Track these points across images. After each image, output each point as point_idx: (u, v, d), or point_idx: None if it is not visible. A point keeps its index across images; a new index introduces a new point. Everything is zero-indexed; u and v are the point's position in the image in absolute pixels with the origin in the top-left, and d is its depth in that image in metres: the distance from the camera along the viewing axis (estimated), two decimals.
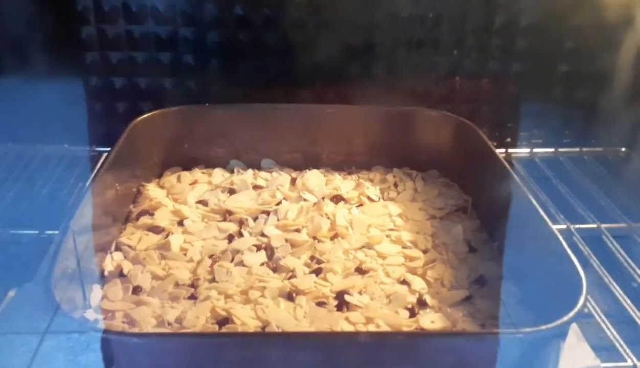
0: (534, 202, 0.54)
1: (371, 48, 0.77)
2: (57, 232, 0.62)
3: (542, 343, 0.40)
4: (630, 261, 0.61)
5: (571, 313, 0.40)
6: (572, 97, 0.82)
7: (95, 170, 0.61)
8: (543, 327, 0.39)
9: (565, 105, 0.82)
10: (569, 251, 0.47)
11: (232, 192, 0.66)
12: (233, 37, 0.75)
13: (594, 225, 0.68)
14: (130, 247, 0.56)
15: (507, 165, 0.60)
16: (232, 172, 0.70)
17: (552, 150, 0.84)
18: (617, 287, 0.57)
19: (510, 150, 0.84)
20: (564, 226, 0.68)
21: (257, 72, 0.76)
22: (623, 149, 0.86)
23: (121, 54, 0.75)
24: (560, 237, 0.49)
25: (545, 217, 0.52)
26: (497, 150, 0.65)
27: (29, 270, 0.60)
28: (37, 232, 0.65)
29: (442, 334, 0.46)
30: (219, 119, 0.71)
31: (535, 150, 0.84)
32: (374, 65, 0.78)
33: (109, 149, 0.74)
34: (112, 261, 0.54)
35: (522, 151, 0.84)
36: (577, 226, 0.68)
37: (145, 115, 0.66)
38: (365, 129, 0.72)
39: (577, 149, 0.85)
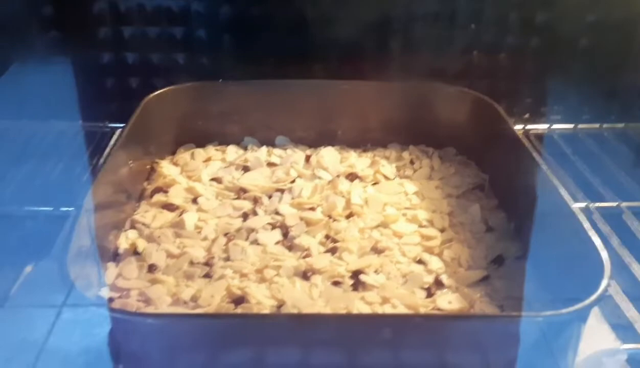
0: (554, 180, 0.53)
1: (387, 22, 0.75)
2: (71, 208, 0.64)
3: (563, 326, 0.39)
4: None
5: (593, 297, 0.39)
6: (592, 72, 0.80)
7: (109, 147, 0.61)
8: (564, 311, 0.38)
9: (586, 81, 0.80)
10: (590, 231, 0.46)
11: (246, 169, 0.65)
12: (246, 11, 0.73)
13: (614, 204, 0.67)
14: (144, 224, 0.56)
15: (526, 143, 0.58)
16: (246, 149, 0.70)
17: (571, 126, 0.83)
18: (638, 267, 0.56)
19: (528, 126, 0.82)
20: (583, 204, 0.66)
21: (271, 47, 0.75)
22: None
23: (133, 29, 0.74)
24: (581, 217, 0.48)
25: (566, 196, 0.51)
26: (515, 127, 0.63)
27: (45, 247, 0.61)
28: (51, 208, 0.65)
29: (463, 317, 0.45)
30: (232, 95, 0.70)
31: (554, 126, 0.82)
32: (390, 40, 0.77)
33: (122, 125, 0.75)
34: (126, 239, 0.54)
35: (540, 127, 0.82)
36: (596, 204, 0.66)
37: (158, 92, 0.65)
38: (380, 106, 0.71)
39: (597, 125, 0.83)
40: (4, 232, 0.64)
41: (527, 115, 0.82)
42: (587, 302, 0.39)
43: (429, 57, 0.77)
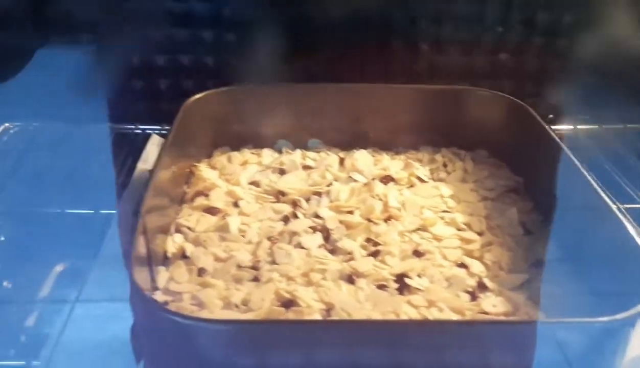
0: (593, 182, 0.54)
1: (412, 22, 0.76)
2: (112, 211, 0.65)
3: (612, 332, 0.40)
4: None
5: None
6: (617, 72, 0.81)
7: (152, 151, 0.62)
8: (618, 316, 0.39)
9: (611, 81, 0.81)
10: (635, 233, 0.47)
11: (282, 172, 0.66)
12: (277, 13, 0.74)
13: None
14: (189, 228, 0.57)
15: (563, 145, 0.59)
16: (280, 152, 0.71)
17: (596, 126, 0.84)
18: None
19: (553, 127, 0.83)
20: (613, 206, 0.67)
21: (299, 49, 0.76)
22: None
23: (162, 32, 0.75)
24: (624, 218, 0.49)
25: (606, 198, 0.52)
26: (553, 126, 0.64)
27: (84, 247, 0.63)
28: (92, 211, 0.66)
29: (511, 321, 0.46)
30: (265, 98, 0.71)
31: (579, 126, 0.84)
32: (416, 40, 0.78)
33: (151, 127, 0.76)
34: (173, 243, 0.55)
35: (565, 128, 0.83)
36: (627, 206, 0.67)
37: (198, 96, 0.66)
38: (411, 108, 0.72)
39: (622, 126, 0.84)
40: (42, 231, 0.65)
41: (551, 116, 0.83)
42: (637, 308, 0.40)
43: (455, 57, 0.79)
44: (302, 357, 0.42)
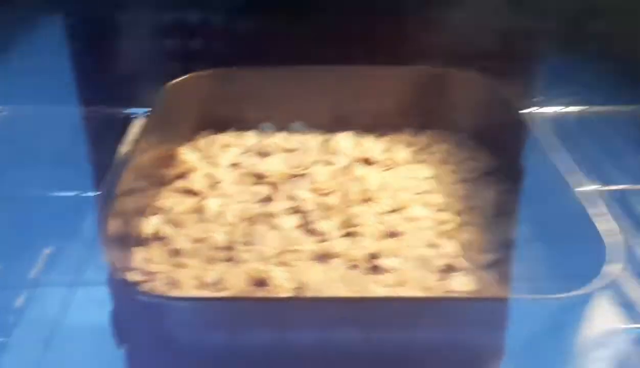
0: (560, 165, 0.55)
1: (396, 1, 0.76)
2: (95, 193, 0.66)
3: (569, 308, 0.41)
4: None
5: (599, 280, 0.41)
6: (604, 54, 0.81)
7: (134, 134, 0.63)
8: (572, 293, 0.40)
9: (597, 63, 0.81)
10: (597, 215, 0.48)
11: (264, 155, 0.67)
12: None
13: (626, 186, 0.69)
14: (167, 210, 0.58)
15: (532, 128, 0.60)
16: (263, 134, 0.71)
17: (582, 108, 0.84)
18: None
19: (539, 109, 0.83)
20: (594, 187, 0.68)
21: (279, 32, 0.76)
22: None
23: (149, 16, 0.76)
24: (588, 200, 0.50)
25: (572, 180, 0.53)
26: (528, 110, 0.64)
27: (67, 230, 0.64)
28: (74, 193, 0.67)
29: (473, 298, 0.47)
30: (249, 81, 0.72)
31: (565, 108, 0.84)
32: (401, 20, 0.78)
33: (135, 110, 0.77)
34: (150, 224, 0.56)
35: (551, 110, 0.84)
36: (608, 187, 0.68)
37: (179, 79, 0.67)
38: (394, 91, 0.72)
39: (609, 108, 0.84)
40: (27, 215, 0.66)
41: (537, 98, 0.83)
42: (595, 286, 0.40)
43: (438, 38, 0.79)
44: (271, 334, 0.43)
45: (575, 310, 0.41)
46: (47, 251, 0.64)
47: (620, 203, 0.67)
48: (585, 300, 0.41)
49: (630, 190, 0.68)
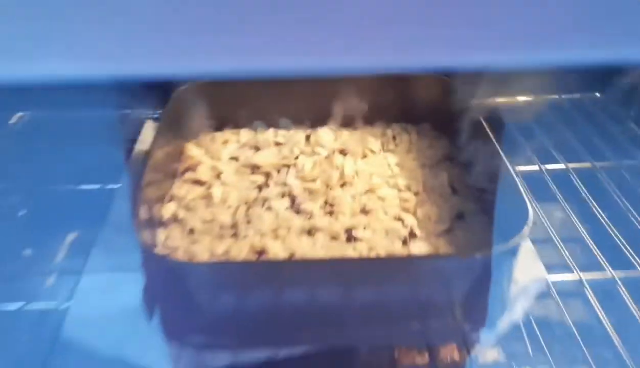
0: (500, 149, 0.67)
1: None
2: (118, 185, 0.78)
3: (498, 261, 0.54)
4: (589, 196, 0.75)
5: (515, 238, 0.54)
6: None
7: (147, 134, 0.75)
8: (494, 249, 0.53)
9: None
10: (522, 188, 0.60)
11: (257, 149, 0.79)
12: None
13: (563, 166, 0.82)
14: (181, 197, 0.70)
15: (480, 118, 0.72)
16: (256, 131, 0.83)
17: (533, 97, 0.97)
18: (576, 219, 0.72)
19: (496, 99, 0.96)
20: (536, 167, 0.82)
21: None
22: (598, 94, 0.98)
23: None
24: (518, 179, 0.63)
25: (506, 160, 0.65)
26: (482, 101, 0.76)
27: (94, 218, 0.76)
28: (99, 186, 0.79)
29: (425, 257, 0.60)
30: (243, 88, 0.83)
31: (520, 98, 0.97)
32: None
33: (144, 111, 0.88)
34: (168, 209, 0.69)
35: (507, 100, 0.96)
36: (547, 166, 0.81)
37: (185, 86, 0.78)
38: (366, 92, 0.84)
39: (557, 96, 0.98)
40: (57, 206, 0.78)
41: (496, 90, 0.95)
42: (511, 242, 0.53)
43: None
44: (269, 290, 0.56)
45: (503, 263, 0.54)
46: (71, 237, 0.76)
47: (556, 180, 0.80)
48: (507, 254, 0.54)
49: (565, 168, 0.81)
